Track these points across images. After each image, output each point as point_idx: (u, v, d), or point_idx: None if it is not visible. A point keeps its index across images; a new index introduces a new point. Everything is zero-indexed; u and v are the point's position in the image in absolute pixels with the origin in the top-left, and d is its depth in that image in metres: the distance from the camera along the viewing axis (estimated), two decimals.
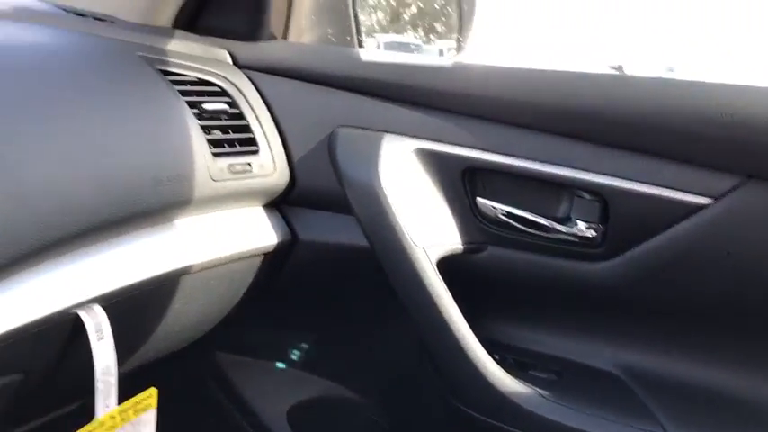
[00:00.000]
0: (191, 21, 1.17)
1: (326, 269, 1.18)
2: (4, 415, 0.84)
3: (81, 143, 0.80)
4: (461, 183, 1.06)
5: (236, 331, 1.24)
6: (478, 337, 1.03)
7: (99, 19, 1.07)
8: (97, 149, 0.81)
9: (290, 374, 1.33)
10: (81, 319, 0.78)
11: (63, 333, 0.79)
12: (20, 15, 0.99)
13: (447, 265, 1.04)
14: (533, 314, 1.14)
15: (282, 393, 1.34)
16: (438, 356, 1.05)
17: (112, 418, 0.87)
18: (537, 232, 1.04)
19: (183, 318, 1.01)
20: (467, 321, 1.02)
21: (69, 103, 0.83)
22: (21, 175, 0.71)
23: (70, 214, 0.76)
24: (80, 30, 1.01)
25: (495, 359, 1.03)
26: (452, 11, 1.76)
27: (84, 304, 0.79)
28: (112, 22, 1.08)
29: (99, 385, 0.81)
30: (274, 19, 1.21)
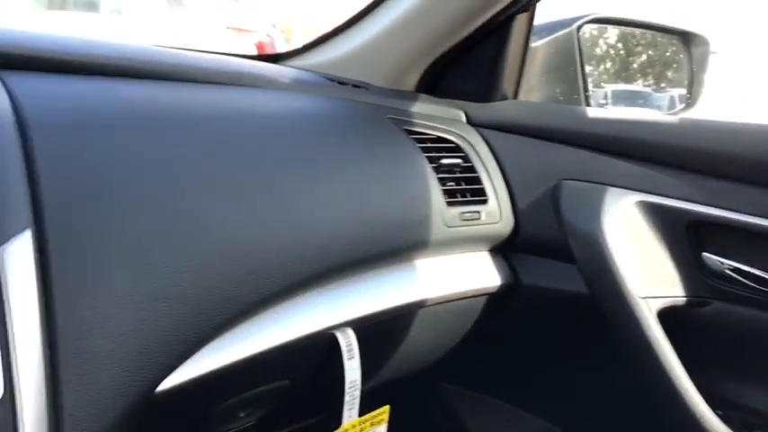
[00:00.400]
0: (431, 85, 1.32)
1: (547, 313, 1.24)
2: (264, 418, 1.02)
3: (342, 191, 0.97)
4: (685, 236, 1.08)
5: (461, 364, 1.34)
6: (700, 392, 1.03)
7: (356, 86, 1.26)
8: (354, 197, 0.98)
9: (509, 411, 1.40)
10: (336, 339, 0.94)
11: (321, 350, 0.95)
12: (293, 86, 1.20)
13: (668, 317, 1.06)
14: (762, 372, 1.11)
15: (501, 428, 1.41)
16: (658, 407, 1.07)
17: (353, 426, 1.01)
18: (766, 289, 1.02)
19: (416, 346, 1.13)
20: (688, 374, 1.03)
21: (333, 158, 1.00)
22: (296, 216, 0.89)
23: (334, 250, 0.92)
24: (341, 96, 1.20)
25: (718, 415, 1.02)
26: (683, 58, 1.75)
27: (340, 327, 0.95)
28: (366, 88, 1.26)
29: (347, 397, 0.96)
30: (506, 81, 1.32)
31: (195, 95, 0.95)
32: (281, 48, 7.41)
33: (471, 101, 1.31)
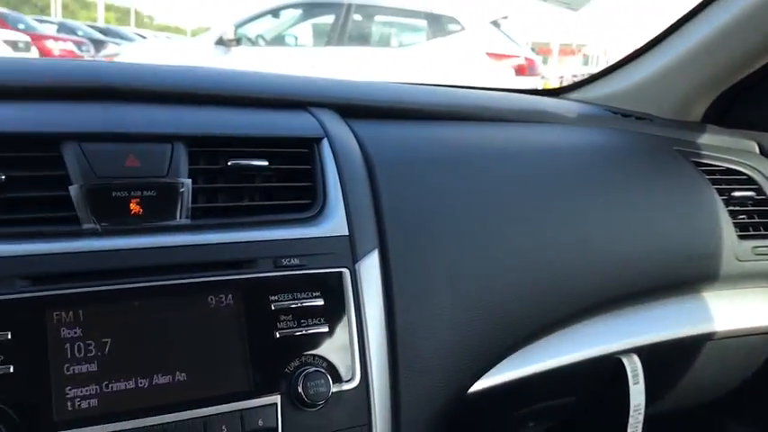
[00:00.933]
0: (720, 115, 1.31)
1: None
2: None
3: (633, 223, 1.01)
4: None
5: (751, 404, 1.29)
6: None
7: (639, 118, 1.29)
8: (645, 228, 1.02)
9: None
10: (622, 364, 0.99)
11: (607, 372, 1.01)
12: (579, 120, 1.26)
13: None
14: None
15: None
16: None
17: None
18: None
19: (701, 378, 1.13)
20: None
21: (622, 190, 1.05)
22: (590, 245, 0.96)
23: (624, 279, 0.97)
24: (627, 128, 1.24)
25: None
26: None
27: (626, 352, 0.99)
28: (651, 119, 1.29)
29: (630, 420, 1.00)
30: None
31: (495, 134, 1.06)
32: (540, 70, 7.46)
33: (766, 131, 1.27)
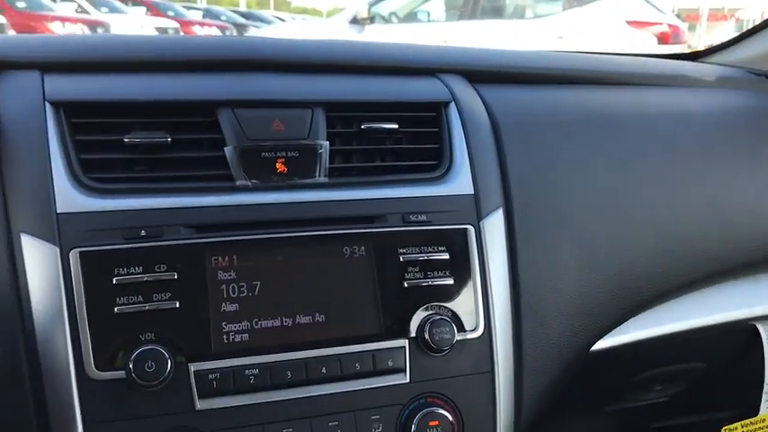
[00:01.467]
0: None
1: None
2: (678, 396, 1.08)
3: None
4: None
5: None
6: None
7: None
8: None
9: None
10: (758, 330, 0.96)
11: (740, 339, 0.99)
12: (717, 83, 1.21)
13: None
14: None
15: None
16: None
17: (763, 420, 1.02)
18: None
19: None
20: None
21: (760, 151, 1.01)
22: (726, 210, 0.94)
23: (756, 243, 0.95)
24: None
25: None
26: None
27: (762, 319, 0.97)
28: None
29: (766, 387, 0.98)
30: None
31: (625, 97, 1.05)
32: (686, 38, 7.03)
33: None
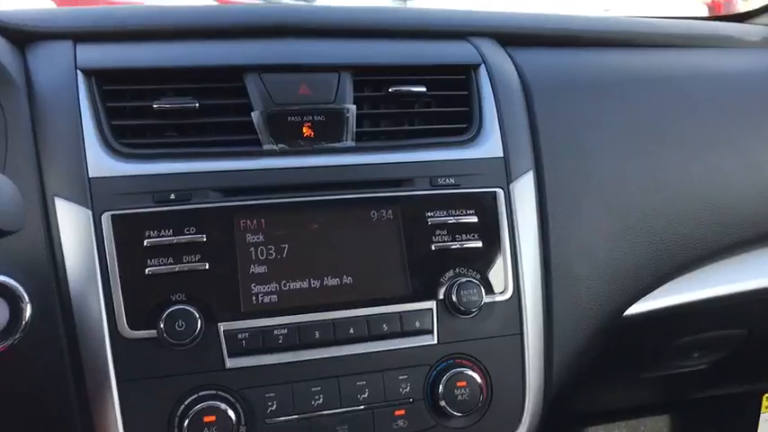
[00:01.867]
0: None
1: None
2: (718, 363, 1.05)
3: None
4: None
5: None
6: None
7: None
8: None
9: None
10: None
11: None
12: (763, 42, 1.17)
13: None
14: None
15: None
16: None
17: None
18: None
19: None
20: None
21: None
22: (763, 172, 0.91)
23: None
24: None
25: None
26: None
27: None
28: None
29: None
30: None
31: (662, 59, 1.02)
32: (740, 5, 6.76)
33: None
